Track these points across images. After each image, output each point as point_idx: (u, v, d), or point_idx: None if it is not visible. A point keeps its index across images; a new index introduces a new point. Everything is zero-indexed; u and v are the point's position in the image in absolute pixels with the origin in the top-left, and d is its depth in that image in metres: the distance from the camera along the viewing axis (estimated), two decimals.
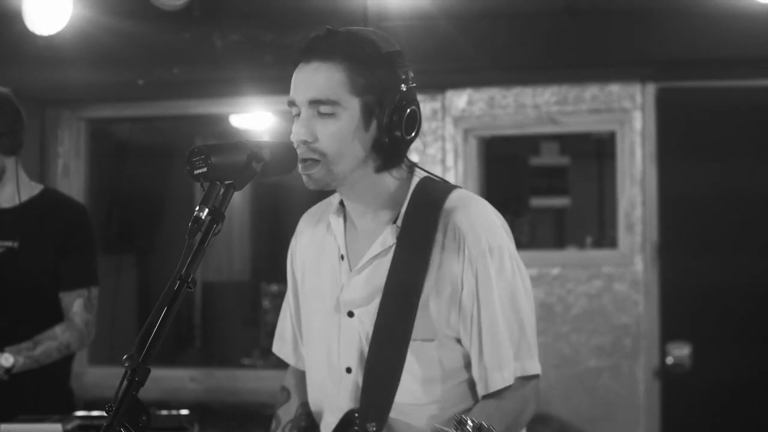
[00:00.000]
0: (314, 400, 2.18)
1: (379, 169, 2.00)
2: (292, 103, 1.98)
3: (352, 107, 1.93)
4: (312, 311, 2.16)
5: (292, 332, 2.28)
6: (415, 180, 2.05)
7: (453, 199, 2.02)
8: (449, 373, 2.02)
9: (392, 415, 2.01)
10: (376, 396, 1.98)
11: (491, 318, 1.97)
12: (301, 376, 2.27)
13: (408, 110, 1.96)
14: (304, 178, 1.97)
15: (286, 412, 2.27)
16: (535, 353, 2.03)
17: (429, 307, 1.98)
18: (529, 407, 2.04)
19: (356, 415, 2.00)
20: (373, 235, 2.04)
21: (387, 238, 2.01)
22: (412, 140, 2.00)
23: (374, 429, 1.97)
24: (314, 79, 1.94)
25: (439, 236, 1.98)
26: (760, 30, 4.38)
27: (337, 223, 2.10)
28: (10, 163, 3.25)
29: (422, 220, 1.99)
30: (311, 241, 2.18)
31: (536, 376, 2.03)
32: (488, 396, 2.00)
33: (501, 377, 1.98)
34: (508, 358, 1.98)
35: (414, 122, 1.99)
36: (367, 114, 1.94)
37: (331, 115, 1.93)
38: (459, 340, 2.01)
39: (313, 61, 1.95)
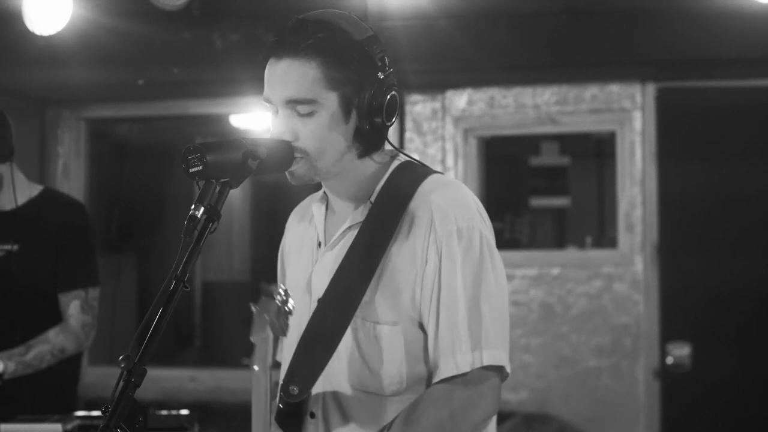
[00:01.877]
0: None
1: (362, 155, 1.97)
2: (268, 100, 1.94)
3: (330, 102, 1.89)
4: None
5: None
6: (396, 163, 2.01)
7: (429, 181, 1.97)
8: (414, 364, 1.92)
9: (353, 403, 1.96)
10: (306, 363, 1.91)
11: (451, 299, 1.87)
12: None
13: (388, 96, 1.93)
14: (287, 174, 1.94)
15: None
16: (499, 344, 1.87)
17: (391, 286, 1.92)
18: (483, 403, 1.88)
19: (285, 382, 1.93)
20: (346, 214, 2.00)
21: (358, 214, 1.98)
22: (392, 124, 1.97)
23: (296, 392, 1.90)
24: (288, 77, 1.89)
25: (408, 215, 1.93)
26: (760, 30, 4.38)
27: (319, 211, 2.06)
28: (5, 169, 3.21)
29: (394, 198, 1.94)
30: (296, 234, 2.16)
31: (498, 369, 1.87)
32: (439, 381, 1.87)
33: (454, 363, 1.85)
34: (465, 345, 1.85)
35: (394, 107, 1.95)
36: (346, 106, 1.90)
37: (309, 113, 1.89)
38: (421, 326, 1.92)
39: (285, 58, 1.90)
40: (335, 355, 1.92)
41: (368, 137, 1.94)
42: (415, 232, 1.91)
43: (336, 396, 1.98)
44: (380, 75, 1.92)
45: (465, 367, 1.85)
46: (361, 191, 2.00)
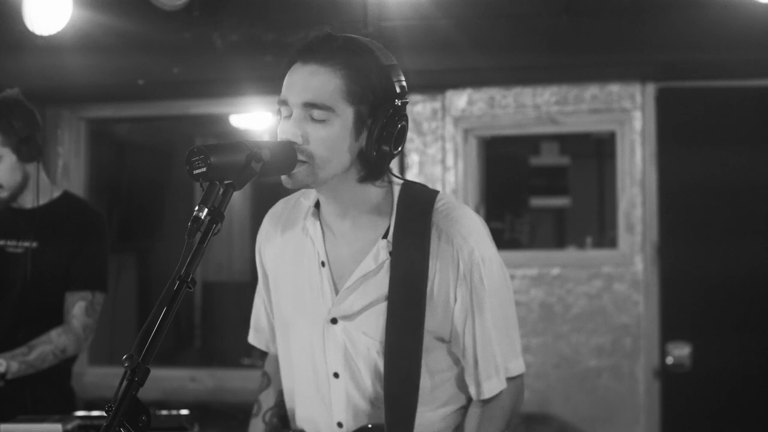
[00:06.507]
0: (299, 404, 2.17)
1: (362, 180, 2.00)
2: (283, 103, 1.96)
3: (345, 115, 1.92)
4: (291, 317, 2.15)
5: (268, 323, 2.30)
6: (397, 188, 2.05)
7: (440, 208, 2.03)
8: (435, 374, 2.05)
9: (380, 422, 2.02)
10: (400, 412, 1.99)
11: (484, 330, 2.02)
12: (278, 363, 2.28)
13: (399, 126, 1.96)
14: (284, 177, 1.95)
15: (267, 399, 2.31)
16: (518, 352, 2.10)
17: (429, 320, 2.01)
18: (519, 400, 2.12)
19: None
20: (360, 251, 2.03)
21: (379, 253, 2.01)
22: (396, 155, 2.00)
23: None
24: (311, 82, 1.92)
25: (433, 249, 1.99)
26: (760, 30, 4.39)
27: (314, 227, 2.08)
28: (31, 169, 3.28)
29: (414, 233, 1.99)
30: (284, 242, 2.16)
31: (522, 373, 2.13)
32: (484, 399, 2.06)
33: (498, 382, 2.05)
34: (500, 364, 2.05)
35: (402, 138, 1.99)
36: (359, 124, 1.93)
37: (323, 120, 1.91)
38: (442, 339, 2.03)
39: (311, 63, 1.93)
40: (360, 371, 2.04)
41: (372, 163, 1.97)
42: (442, 267, 2.00)
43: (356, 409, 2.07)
44: (397, 102, 1.96)
45: (504, 383, 2.06)
46: (368, 219, 2.03)
